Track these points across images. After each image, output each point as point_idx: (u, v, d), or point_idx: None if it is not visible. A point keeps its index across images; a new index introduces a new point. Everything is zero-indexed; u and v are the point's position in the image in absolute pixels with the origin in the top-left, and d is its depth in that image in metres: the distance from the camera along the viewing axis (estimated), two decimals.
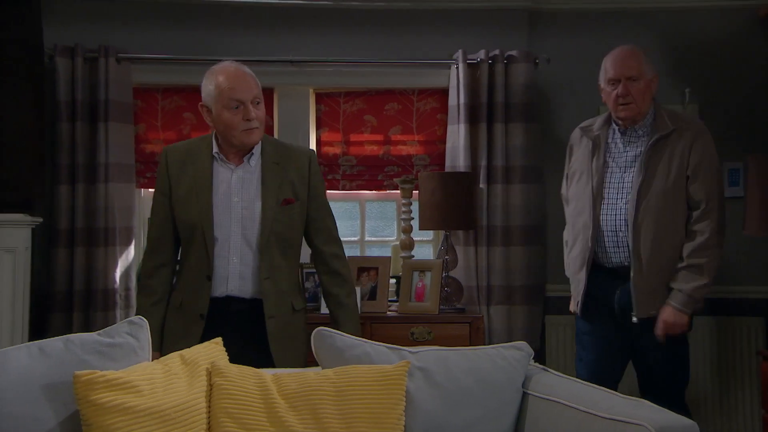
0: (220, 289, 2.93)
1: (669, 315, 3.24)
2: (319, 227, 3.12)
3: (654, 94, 3.43)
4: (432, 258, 4.52)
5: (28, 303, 3.93)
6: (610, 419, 2.09)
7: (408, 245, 4.34)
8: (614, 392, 2.33)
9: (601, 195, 3.37)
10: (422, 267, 4.15)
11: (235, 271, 2.93)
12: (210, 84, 2.97)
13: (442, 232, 4.30)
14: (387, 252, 4.61)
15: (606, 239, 3.35)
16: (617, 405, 2.16)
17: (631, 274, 3.27)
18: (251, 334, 2.90)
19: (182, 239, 3.01)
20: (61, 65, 4.25)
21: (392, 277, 4.31)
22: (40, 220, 4.07)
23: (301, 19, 4.51)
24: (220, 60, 4.28)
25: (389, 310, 4.11)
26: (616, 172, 3.40)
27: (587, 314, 3.43)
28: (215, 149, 3.01)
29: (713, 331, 4.45)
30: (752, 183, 3.36)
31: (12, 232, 3.82)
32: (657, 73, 3.44)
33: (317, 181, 3.13)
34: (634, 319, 3.27)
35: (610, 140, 3.45)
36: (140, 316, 2.49)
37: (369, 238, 4.77)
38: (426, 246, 4.73)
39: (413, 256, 4.34)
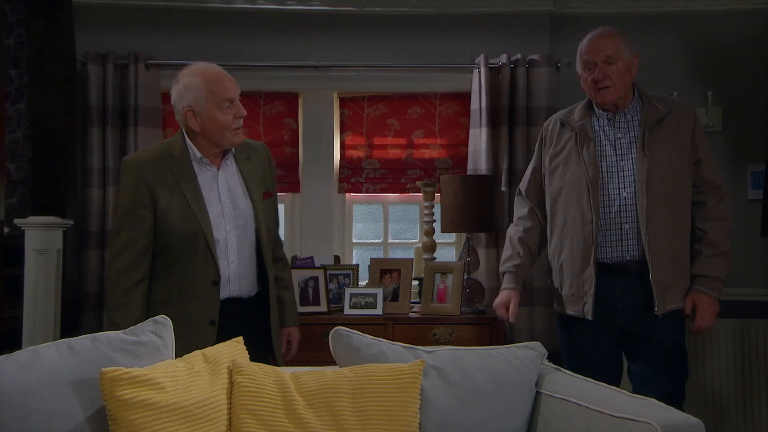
0: (222, 292, 2.93)
1: (711, 305, 3.09)
2: (275, 217, 3.20)
3: (634, 76, 3.21)
4: (454, 260, 4.56)
5: (60, 302, 4.03)
6: (618, 417, 2.13)
7: (430, 247, 4.39)
8: (623, 391, 2.36)
9: (598, 185, 3.14)
10: (444, 269, 4.19)
11: (235, 272, 2.94)
12: (197, 86, 2.89)
13: (464, 235, 4.34)
14: (410, 254, 4.65)
15: (608, 233, 3.12)
16: (625, 403, 2.20)
17: (650, 268, 3.04)
18: (254, 332, 2.95)
19: (174, 249, 2.89)
20: (92, 72, 4.36)
21: (415, 279, 4.36)
22: (71, 222, 4.17)
23: (325, 24, 4.58)
24: (246, 66, 4.43)
25: (411, 312, 4.16)
26: (611, 161, 3.17)
27: (598, 318, 3.13)
28: (198, 154, 2.94)
29: (734, 334, 4.45)
30: None
31: (44, 234, 3.92)
32: (637, 54, 3.21)
33: (274, 173, 3.21)
34: (659, 315, 3.05)
35: (597, 128, 3.23)
36: (164, 317, 2.52)
37: (392, 241, 4.83)
38: (449, 248, 4.77)
39: (435, 258, 4.39)
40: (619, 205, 3.12)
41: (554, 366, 2.62)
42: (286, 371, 2.48)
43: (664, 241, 3.07)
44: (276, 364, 2.90)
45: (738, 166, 4.41)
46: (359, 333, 2.58)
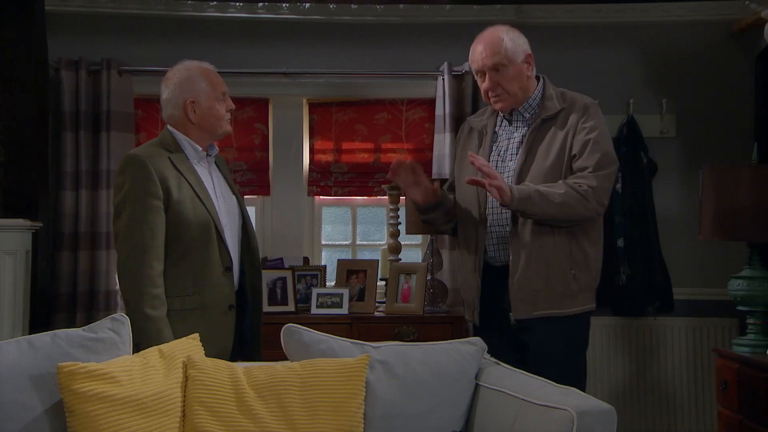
0: None
1: (504, 186, 2.81)
2: None
3: (530, 74, 3.04)
4: (420, 261, 4.68)
5: (29, 303, 4.11)
6: (542, 405, 2.27)
7: (395, 249, 4.50)
8: (551, 382, 2.48)
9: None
10: (408, 270, 4.30)
11: (235, 264, 3.02)
12: (199, 80, 3.01)
13: (429, 237, 4.45)
14: (378, 255, 4.76)
15: (491, 236, 3.00)
16: (550, 393, 2.34)
17: (510, 270, 2.92)
18: (240, 328, 3.04)
19: (186, 240, 2.89)
20: (65, 78, 4.44)
21: (381, 280, 4.47)
22: (40, 224, 4.23)
23: (295, 32, 4.69)
24: (218, 72, 4.53)
25: (377, 311, 4.27)
26: (501, 161, 3.04)
27: (485, 324, 3.05)
28: (198, 146, 3.02)
29: (686, 331, 4.60)
30: (707, 191, 3.50)
31: (13, 236, 3.99)
32: (530, 52, 3.05)
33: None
34: (512, 320, 2.95)
35: (498, 128, 3.10)
36: (122, 314, 2.62)
37: (360, 242, 4.95)
38: (415, 249, 4.89)
39: (400, 260, 4.50)
40: (498, 206, 2.97)
41: (494, 360, 2.74)
42: (240, 366, 2.59)
43: (532, 245, 2.91)
44: None
45: (692, 171, 4.54)
46: (310, 329, 2.69)
